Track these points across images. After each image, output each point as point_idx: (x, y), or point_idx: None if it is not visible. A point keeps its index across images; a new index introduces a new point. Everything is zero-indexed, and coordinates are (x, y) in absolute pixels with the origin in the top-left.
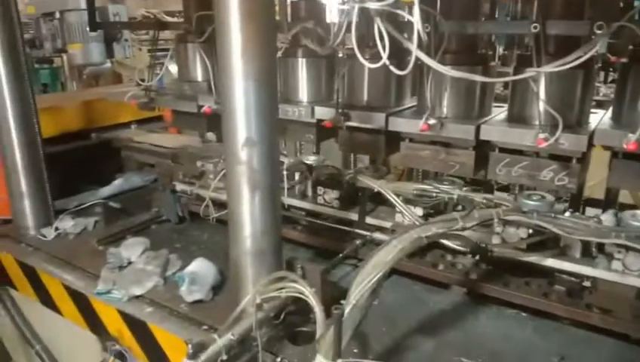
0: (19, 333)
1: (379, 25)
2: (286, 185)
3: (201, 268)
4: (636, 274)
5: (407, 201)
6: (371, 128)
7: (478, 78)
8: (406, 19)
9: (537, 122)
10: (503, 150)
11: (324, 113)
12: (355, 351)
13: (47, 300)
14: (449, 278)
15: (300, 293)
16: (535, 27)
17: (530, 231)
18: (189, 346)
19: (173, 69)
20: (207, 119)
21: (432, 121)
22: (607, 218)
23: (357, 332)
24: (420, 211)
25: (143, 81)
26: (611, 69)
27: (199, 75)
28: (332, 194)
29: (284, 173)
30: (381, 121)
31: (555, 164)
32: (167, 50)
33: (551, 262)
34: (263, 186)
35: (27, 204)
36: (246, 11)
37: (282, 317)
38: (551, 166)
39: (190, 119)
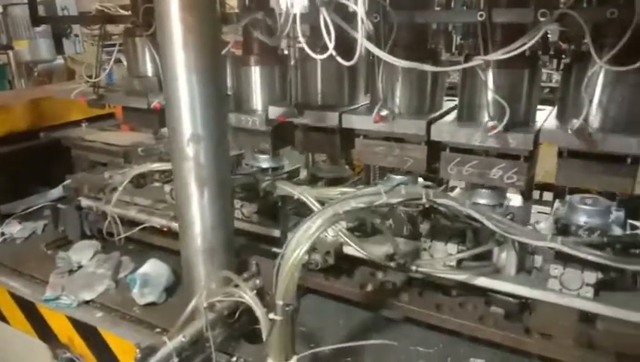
0: None
1: (324, 15)
2: None
3: (154, 269)
4: (575, 293)
5: None
6: (326, 127)
7: (427, 68)
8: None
9: (486, 112)
10: (453, 149)
11: (277, 112)
12: (312, 344)
13: None
14: (377, 301)
15: (241, 298)
16: (481, 15)
17: (461, 247)
18: (138, 350)
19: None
20: (158, 115)
21: (384, 113)
22: (547, 226)
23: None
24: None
25: (91, 77)
26: (564, 56)
27: (149, 70)
28: (250, 208)
29: None
30: (335, 119)
31: (504, 162)
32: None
33: (483, 282)
34: (211, 182)
35: None
36: (186, 2)
37: (237, 315)
38: (500, 164)
39: (141, 116)
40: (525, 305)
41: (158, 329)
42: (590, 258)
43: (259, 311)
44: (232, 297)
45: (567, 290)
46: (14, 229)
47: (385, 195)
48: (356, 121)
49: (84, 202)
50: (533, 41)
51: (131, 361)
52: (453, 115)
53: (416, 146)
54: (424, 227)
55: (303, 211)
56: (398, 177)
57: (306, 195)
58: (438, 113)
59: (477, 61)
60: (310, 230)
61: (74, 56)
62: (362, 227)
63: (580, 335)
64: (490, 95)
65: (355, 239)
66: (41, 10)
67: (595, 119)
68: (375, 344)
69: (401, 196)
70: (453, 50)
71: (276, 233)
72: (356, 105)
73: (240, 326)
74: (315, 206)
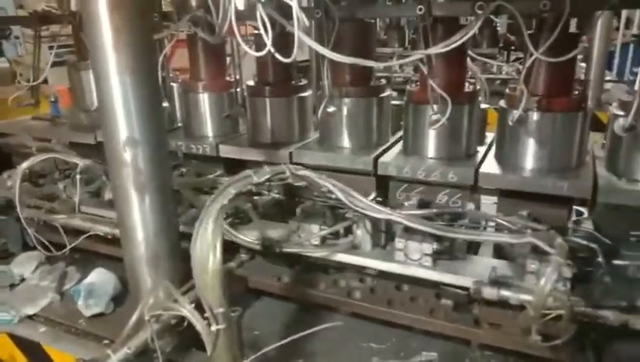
0: None
1: (260, 11)
2: (79, 192)
3: (100, 279)
4: (416, 263)
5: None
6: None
7: (368, 63)
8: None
9: (430, 108)
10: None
11: (228, 151)
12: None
13: None
14: (329, 300)
15: (180, 312)
16: (420, 9)
17: (325, 228)
18: None
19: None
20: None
21: (331, 109)
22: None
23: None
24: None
25: (28, 80)
26: (513, 48)
27: (96, 103)
28: None
29: (78, 177)
30: (285, 157)
31: (449, 189)
32: (67, 46)
33: (341, 257)
34: (152, 187)
35: None
36: (113, 1)
37: (186, 323)
38: (445, 191)
39: (88, 152)
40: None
41: (106, 341)
42: (420, 228)
43: (199, 325)
44: (172, 311)
45: (410, 261)
46: None
47: (254, 175)
48: (305, 156)
49: (25, 212)
50: (471, 33)
51: None
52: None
53: (365, 178)
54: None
55: None
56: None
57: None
58: (385, 146)
59: (417, 55)
60: (208, 230)
61: (17, 59)
62: (240, 215)
63: None
64: (434, 88)
65: (227, 226)
66: None
67: (529, 160)
68: (328, 344)
69: (267, 173)
70: (406, 44)
71: None
72: (307, 141)
73: (190, 334)
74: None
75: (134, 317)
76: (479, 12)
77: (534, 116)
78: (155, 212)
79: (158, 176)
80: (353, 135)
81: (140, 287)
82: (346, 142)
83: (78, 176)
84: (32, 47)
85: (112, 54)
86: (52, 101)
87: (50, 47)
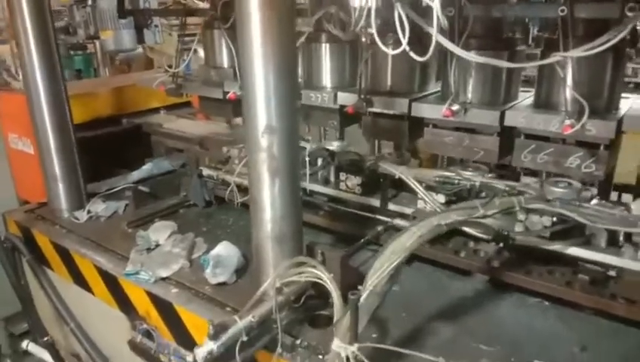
0: (54, 311)
1: (398, 10)
2: (308, 171)
3: (226, 251)
4: None
5: (429, 188)
6: (394, 114)
7: (502, 64)
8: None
9: (564, 108)
10: (528, 136)
11: (346, 99)
12: (374, 335)
13: (80, 280)
14: (471, 266)
15: (319, 278)
16: (562, 10)
17: (554, 219)
18: (210, 326)
19: (202, 54)
20: (232, 105)
21: (455, 107)
22: (638, 206)
23: (376, 318)
24: (442, 198)
25: (170, 67)
26: None
27: (225, 61)
28: (354, 181)
29: (307, 158)
30: (404, 106)
31: (582, 150)
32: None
33: (575, 251)
34: (282, 172)
35: (61, 187)
36: None
37: (302, 300)
38: (577, 153)
39: (216, 105)
40: (608, 275)
41: (228, 308)
42: None
43: (334, 292)
44: (305, 277)
45: None
46: (99, 208)
47: (482, 208)
48: (426, 110)
49: (205, 171)
50: (619, 37)
51: (202, 335)
52: (529, 100)
53: (488, 137)
54: None
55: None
56: (467, 173)
57: (406, 175)
58: (512, 104)
59: (556, 57)
60: (409, 241)
61: (152, 46)
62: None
63: None
64: (567, 92)
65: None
66: (125, 3)
67: None
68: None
69: (496, 208)
70: (530, 42)
71: (376, 203)
72: (427, 93)
73: (305, 310)
74: (413, 184)
75: (262, 289)
76: (630, 14)
77: None
78: (283, 196)
79: (289, 162)
80: (479, 92)
81: (264, 263)
82: (470, 97)
83: (307, 158)
84: (165, 36)
85: (259, 48)
86: (183, 59)
87: (186, 35)
